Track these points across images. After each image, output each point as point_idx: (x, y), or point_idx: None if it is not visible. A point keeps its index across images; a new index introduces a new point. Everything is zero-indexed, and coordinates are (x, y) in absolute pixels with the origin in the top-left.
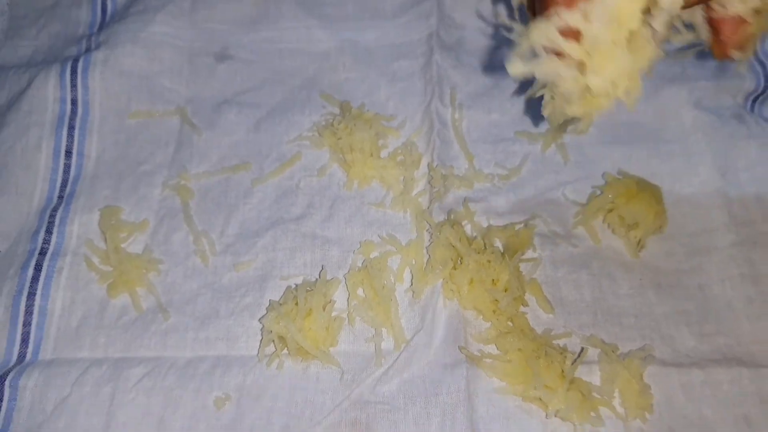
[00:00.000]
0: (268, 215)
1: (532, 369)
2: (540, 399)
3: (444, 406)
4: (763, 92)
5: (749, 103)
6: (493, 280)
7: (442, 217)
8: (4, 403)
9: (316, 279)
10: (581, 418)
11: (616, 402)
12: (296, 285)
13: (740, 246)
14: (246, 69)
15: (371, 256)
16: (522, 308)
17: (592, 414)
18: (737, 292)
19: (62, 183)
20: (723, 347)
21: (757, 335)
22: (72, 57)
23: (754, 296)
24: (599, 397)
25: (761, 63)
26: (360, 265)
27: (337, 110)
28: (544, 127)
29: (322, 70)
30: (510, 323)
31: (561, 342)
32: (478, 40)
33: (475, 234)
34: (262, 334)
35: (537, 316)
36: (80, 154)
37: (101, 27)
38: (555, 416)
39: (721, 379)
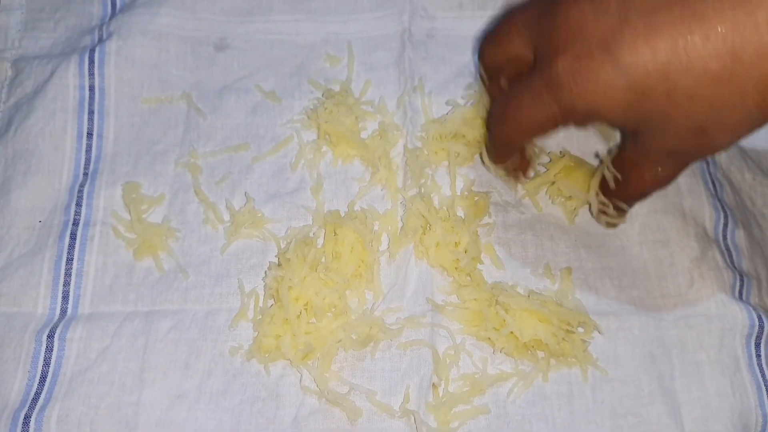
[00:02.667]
0: (266, 189)
1: (483, 315)
2: (489, 338)
3: (413, 345)
4: None
5: None
6: (455, 243)
7: (414, 191)
8: (54, 353)
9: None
10: (519, 355)
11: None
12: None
13: (655, 214)
14: (242, 57)
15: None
16: (479, 266)
17: (528, 351)
18: (650, 253)
19: (86, 161)
20: (636, 299)
21: (662, 291)
22: (88, 48)
23: (662, 258)
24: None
25: None
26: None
27: (322, 96)
28: None
29: (309, 59)
30: (468, 278)
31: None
32: (448, 29)
33: (441, 205)
34: (264, 291)
35: (490, 272)
36: (100, 136)
37: (111, 18)
38: (501, 352)
39: (633, 326)
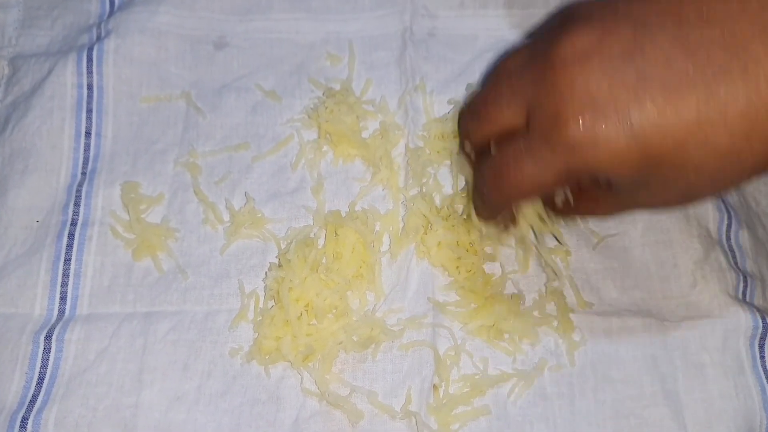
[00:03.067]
0: (267, 188)
1: (482, 309)
2: (485, 331)
3: (415, 346)
4: None
5: None
6: (457, 242)
7: (416, 190)
8: (52, 354)
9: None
10: (522, 334)
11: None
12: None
13: (659, 217)
14: (242, 56)
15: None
16: (485, 264)
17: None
18: (653, 255)
19: (84, 161)
20: (638, 300)
21: (665, 292)
22: (86, 46)
23: (665, 259)
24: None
25: None
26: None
27: (323, 95)
28: None
29: (310, 58)
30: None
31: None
32: (449, 28)
33: (443, 204)
34: (265, 292)
35: (492, 269)
36: (98, 135)
37: (110, 16)
38: (496, 339)
39: (635, 326)
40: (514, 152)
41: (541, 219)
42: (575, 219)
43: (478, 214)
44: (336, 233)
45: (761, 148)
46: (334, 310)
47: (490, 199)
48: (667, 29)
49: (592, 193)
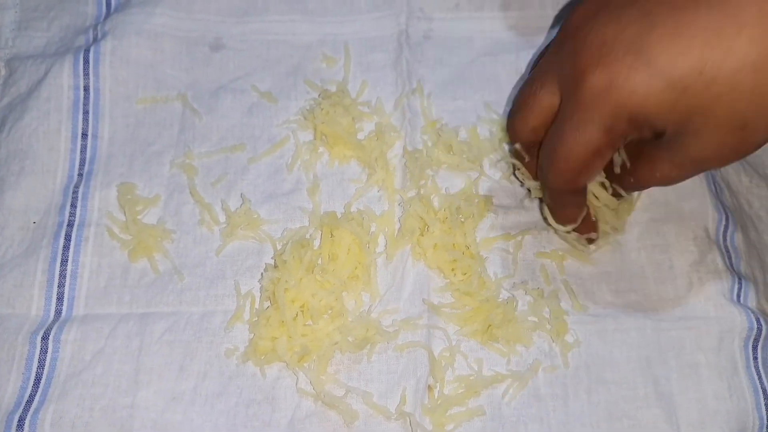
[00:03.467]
0: (263, 190)
1: (477, 313)
2: (480, 334)
3: (410, 347)
4: None
5: None
6: (453, 244)
7: (413, 192)
8: (49, 355)
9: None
10: (515, 338)
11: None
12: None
13: (655, 222)
14: (238, 58)
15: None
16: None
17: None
18: (649, 258)
19: (81, 162)
20: (633, 302)
21: (660, 294)
22: (83, 47)
23: (661, 262)
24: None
25: None
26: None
27: (319, 96)
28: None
29: (306, 60)
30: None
31: (505, 293)
32: (445, 30)
33: (440, 206)
34: (261, 293)
35: (486, 272)
36: (95, 136)
37: (106, 18)
38: (489, 342)
39: (629, 328)
40: (555, 128)
41: (604, 186)
42: (639, 188)
43: (555, 217)
44: (332, 234)
45: None
46: (329, 311)
47: (549, 186)
48: None
49: (647, 154)
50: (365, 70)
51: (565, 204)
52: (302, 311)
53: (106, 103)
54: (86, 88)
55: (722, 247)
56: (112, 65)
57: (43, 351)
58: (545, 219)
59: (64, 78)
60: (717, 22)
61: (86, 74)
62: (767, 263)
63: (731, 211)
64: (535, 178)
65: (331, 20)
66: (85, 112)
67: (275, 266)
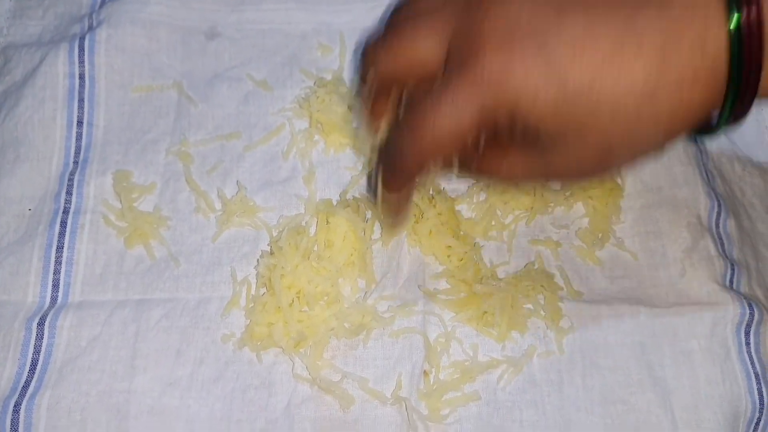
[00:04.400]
0: (258, 177)
1: (472, 299)
2: (475, 320)
3: (405, 332)
4: None
5: None
6: (447, 229)
7: None
8: (45, 341)
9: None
10: (510, 325)
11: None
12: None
13: (649, 208)
14: (233, 46)
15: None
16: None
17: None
18: (643, 245)
19: (76, 150)
20: (627, 289)
21: (654, 280)
22: (78, 36)
23: (654, 249)
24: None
25: None
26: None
27: (314, 85)
28: None
29: (301, 49)
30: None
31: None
32: None
33: (433, 193)
34: (257, 279)
35: (482, 259)
36: (90, 124)
37: (101, 6)
38: (484, 328)
39: (623, 314)
40: (431, 95)
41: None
42: (476, 175)
43: (386, 183)
44: (327, 221)
45: (674, 97)
46: (325, 297)
47: (403, 153)
48: None
49: (501, 144)
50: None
51: (405, 173)
52: (298, 297)
53: (101, 91)
54: (81, 76)
55: (715, 234)
56: (107, 53)
57: (39, 337)
58: (369, 178)
59: (60, 66)
60: (621, 39)
61: (81, 62)
62: (760, 250)
63: (724, 199)
64: (374, 128)
65: (326, 9)
66: (81, 100)
67: (271, 253)
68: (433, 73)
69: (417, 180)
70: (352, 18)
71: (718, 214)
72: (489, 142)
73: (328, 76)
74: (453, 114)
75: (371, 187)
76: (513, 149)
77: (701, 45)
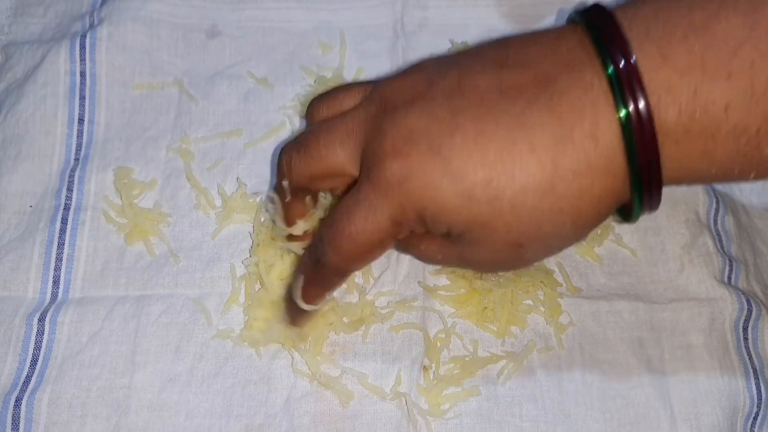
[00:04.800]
0: (258, 174)
1: (472, 295)
2: (475, 316)
3: (405, 328)
4: None
5: None
6: None
7: None
8: (45, 336)
9: None
10: (510, 320)
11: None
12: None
13: None
14: (234, 44)
15: None
16: None
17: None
18: (642, 241)
19: (77, 147)
20: (626, 285)
21: (652, 276)
22: (79, 33)
23: (653, 245)
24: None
25: None
26: None
27: (315, 83)
28: None
29: (301, 47)
30: None
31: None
32: (440, 18)
33: None
34: (248, 278)
35: None
36: (91, 122)
37: (102, 4)
38: (484, 324)
39: (622, 309)
40: (347, 204)
41: None
42: (398, 249)
43: (304, 290)
44: None
45: (573, 188)
46: None
47: (328, 260)
48: (488, 73)
49: (421, 235)
50: (360, 58)
51: (320, 280)
52: None
53: (102, 89)
54: (82, 74)
55: (713, 230)
56: (108, 51)
57: (40, 332)
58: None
59: (61, 63)
60: (512, 136)
61: (82, 60)
62: (757, 247)
63: (722, 196)
64: (289, 223)
65: (327, 8)
66: (82, 98)
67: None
68: (352, 177)
69: (340, 279)
70: (352, 17)
71: (716, 210)
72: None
73: (329, 74)
74: (367, 224)
75: (288, 302)
76: (430, 237)
77: (593, 135)
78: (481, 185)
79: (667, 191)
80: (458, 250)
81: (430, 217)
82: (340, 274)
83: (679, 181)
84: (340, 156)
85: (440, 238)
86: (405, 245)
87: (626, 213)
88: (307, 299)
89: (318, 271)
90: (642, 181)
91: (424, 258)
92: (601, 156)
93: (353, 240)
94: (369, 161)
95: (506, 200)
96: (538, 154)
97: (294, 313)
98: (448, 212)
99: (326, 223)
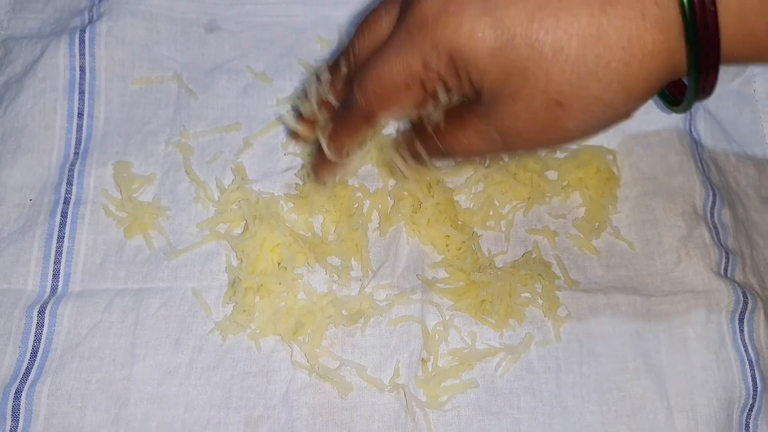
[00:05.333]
0: (257, 168)
1: (471, 288)
2: (473, 309)
3: (403, 320)
4: None
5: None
6: (445, 219)
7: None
8: (45, 328)
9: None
10: (508, 313)
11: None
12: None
13: (644, 196)
14: (233, 39)
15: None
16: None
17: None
18: (639, 234)
19: (77, 141)
20: (624, 277)
21: (650, 269)
22: (78, 28)
23: (650, 237)
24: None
25: None
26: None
27: (313, 77)
28: None
29: (300, 41)
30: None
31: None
32: None
33: (432, 182)
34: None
35: (480, 248)
36: (90, 116)
37: (101, 0)
38: (482, 316)
39: (620, 302)
40: (382, 48)
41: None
42: (444, 156)
43: (332, 133)
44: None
45: (623, 33)
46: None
47: (357, 100)
48: None
49: (459, 117)
50: None
51: (348, 123)
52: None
53: (101, 83)
54: (82, 68)
55: (710, 222)
56: (107, 45)
57: (40, 325)
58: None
59: (60, 58)
60: None
61: (82, 54)
62: (754, 239)
63: (718, 188)
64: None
65: (325, 2)
66: (81, 92)
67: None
68: None
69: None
70: (351, 11)
71: (713, 203)
72: (447, 117)
73: None
74: (395, 63)
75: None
76: (468, 119)
77: None
78: (523, 26)
79: (663, 183)
80: (496, 123)
81: (462, 62)
82: (367, 118)
83: (737, 50)
84: (385, 22)
85: (475, 117)
86: (446, 142)
87: (676, 100)
88: (334, 144)
89: (346, 114)
90: (698, 33)
91: (466, 152)
92: (654, 3)
93: (380, 80)
94: (405, 5)
95: (548, 44)
96: (592, 4)
97: (320, 168)
98: (484, 53)
99: (361, 66)
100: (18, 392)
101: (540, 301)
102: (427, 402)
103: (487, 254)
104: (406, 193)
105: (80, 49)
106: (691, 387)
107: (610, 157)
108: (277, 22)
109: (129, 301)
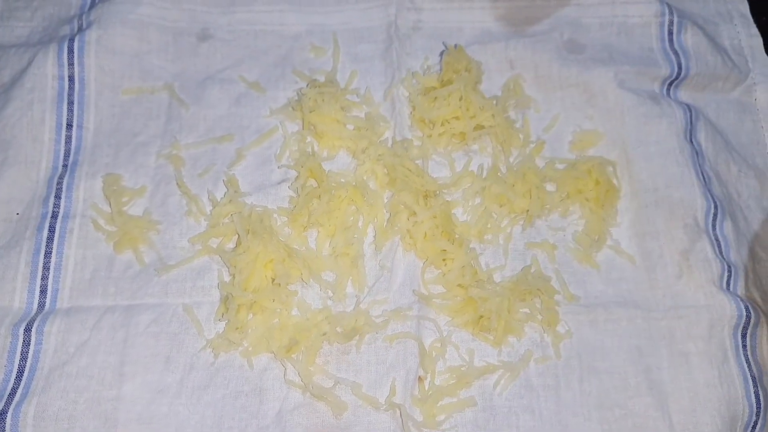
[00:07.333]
0: (250, 180)
1: (469, 303)
2: (471, 325)
3: (399, 337)
4: (676, 78)
5: (665, 87)
6: (442, 232)
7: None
8: (32, 346)
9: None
10: (507, 329)
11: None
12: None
13: (645, 208)
14: (225, 48)
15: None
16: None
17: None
18: (640, 246)
19: (65, 153)
20: (624, 292)
21: (651, 283)
22: (67, 37)
23: (651, 250)
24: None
25: (675, 53)
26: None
27: (307, 86)
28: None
29: (294, 50)
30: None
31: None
32: (435, 21)
33: (428, 195)
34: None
35: (479, 262)
36: (80, 127)
37: (91, 7)
38: (480, 332)
39: (621, 317)
40: None
41: None
42: None
43: None
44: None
45: None
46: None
47: None
48: None
49: None
50: (354, 61)
51: None
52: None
53: (91, 94)
54: (71, 78)
55: (711, 235)
56: (97, 55)
57: (26, 343)
58: None
59: (48, 68)
60: None
61: (71, 64)
62: (756, 252)
63: (720, 201)
64: None
65: (319, 11)
66: (70, 103)
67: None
68: None
69: None
70: (345, 19)
71: (715, 215)
72: None
73: (321, 78)
74: None
75: None
76: None
77: None
78: None
79: (664, 196)
80: None
81: None
82: None
83: None
84: None
85: None
86: None
87: None
88: None
89: None
90: None
91: None
92: None
93: None
94: None
95: None
96: None
97: None
98: None
99: None
100: (3, 414)
101: (539, 317)
102: (424, 421)
103: (485, 269)
104: (402, 206)
105: (69, 59)
106: (693, 404)
107: (610, 168)
108: (271, 31)
109: (118, 317)
